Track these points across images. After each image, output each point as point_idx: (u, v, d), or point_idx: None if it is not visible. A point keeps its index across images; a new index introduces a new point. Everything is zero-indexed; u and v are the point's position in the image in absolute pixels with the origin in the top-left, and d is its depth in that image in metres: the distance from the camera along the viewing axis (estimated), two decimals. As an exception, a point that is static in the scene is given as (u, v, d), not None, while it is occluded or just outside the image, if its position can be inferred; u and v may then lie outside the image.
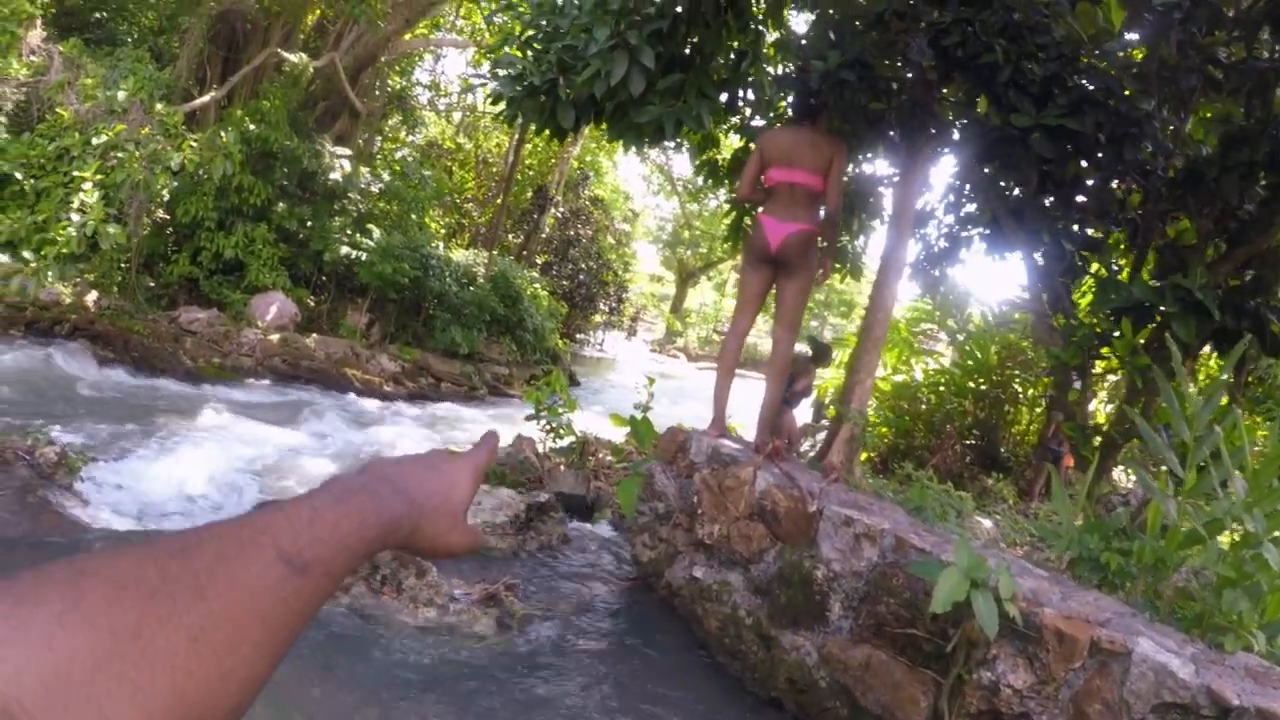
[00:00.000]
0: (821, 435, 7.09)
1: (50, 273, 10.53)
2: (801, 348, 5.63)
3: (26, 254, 10.49)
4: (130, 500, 5.84)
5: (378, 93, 18.28)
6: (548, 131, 6.59)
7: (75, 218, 10.48)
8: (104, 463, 6.31)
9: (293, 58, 14.16)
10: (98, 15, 15.54)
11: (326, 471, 7.46)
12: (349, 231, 14.14)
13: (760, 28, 6.63)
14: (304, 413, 10.27)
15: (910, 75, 5.82)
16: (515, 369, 16.17)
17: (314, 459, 8.07)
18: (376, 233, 14.16)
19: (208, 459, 7.05)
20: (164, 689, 0.42)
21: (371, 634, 4.10)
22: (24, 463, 5.40)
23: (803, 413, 6.48)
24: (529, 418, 7.82)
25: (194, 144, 11.90)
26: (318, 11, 16.51)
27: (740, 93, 6.68)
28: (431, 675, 3.81)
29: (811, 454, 6.54)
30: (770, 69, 6.78)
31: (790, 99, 6.38)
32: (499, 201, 21.60)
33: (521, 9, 7.00)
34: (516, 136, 19.76)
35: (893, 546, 3.60)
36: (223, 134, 12.34)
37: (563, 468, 7.39)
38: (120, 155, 10.90)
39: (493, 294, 15.80)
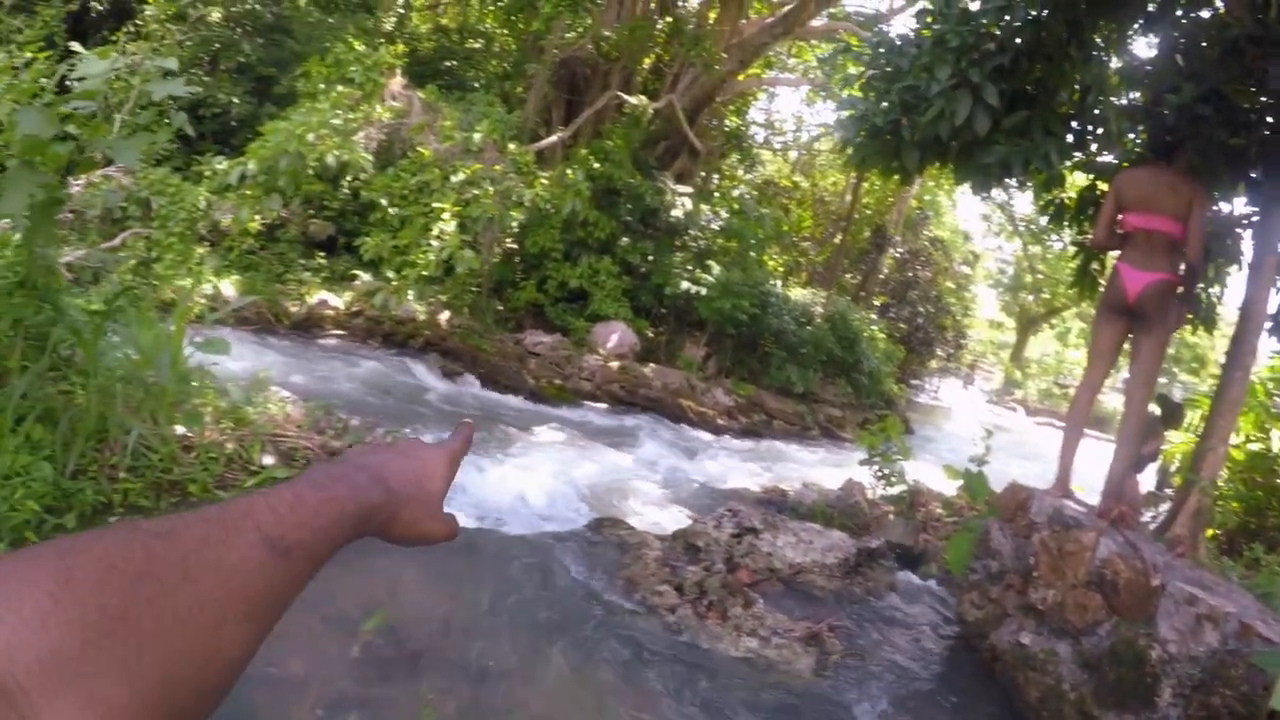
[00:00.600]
0: (1165, 505, 6.69)
1: (409, 292, 12.19)
2: (1150, 407, 5.45)
3: (389, 273, 12.19)
4: (470, 503, 6.41)
5: (715, 132, 19.20)
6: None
7: (434, 244, 11.95)
8: (448, 467, 7.14)
9: (632, 100, 15.37)
10: (447, 64, 17.97)
11: (655, 496, 8.14)
12: (689, 267, 14.92)
13: (1103, 57, 6.48)
14: (638, 438, 10.93)
15: (1271, 104, 5.47)
16: (848, 411, 16.14)
17: (643, 483, 8.60)
18: (716, 269, 14.78)
19: (544, 472, 7.72)
20: (151, 667, 0.44)
21: (692, 657, 4.38)
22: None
23: (1146, 478, 6.19)
24: (862, 462, 8.11)
25: (544, 181, 13.28)
26: (654, 55, 17.81)
27: (1086, 127, 6.53)
28: (744, 706, 4.00)
29: (1154, 525, 6.23)
30: (1115, 100, 6.57)
31: (1141, 133, 6.19)
32: (837, 241, 22.02)
33: (859, 49, 7.27)
34: (855, 176, 19.95)
35: (1236, 633, 3.52)
36: (569, 172, 13.61)
37: (891, 516, 7.52)
38: (476, 191, 12.32)
39: (830, 334, 15.94)
